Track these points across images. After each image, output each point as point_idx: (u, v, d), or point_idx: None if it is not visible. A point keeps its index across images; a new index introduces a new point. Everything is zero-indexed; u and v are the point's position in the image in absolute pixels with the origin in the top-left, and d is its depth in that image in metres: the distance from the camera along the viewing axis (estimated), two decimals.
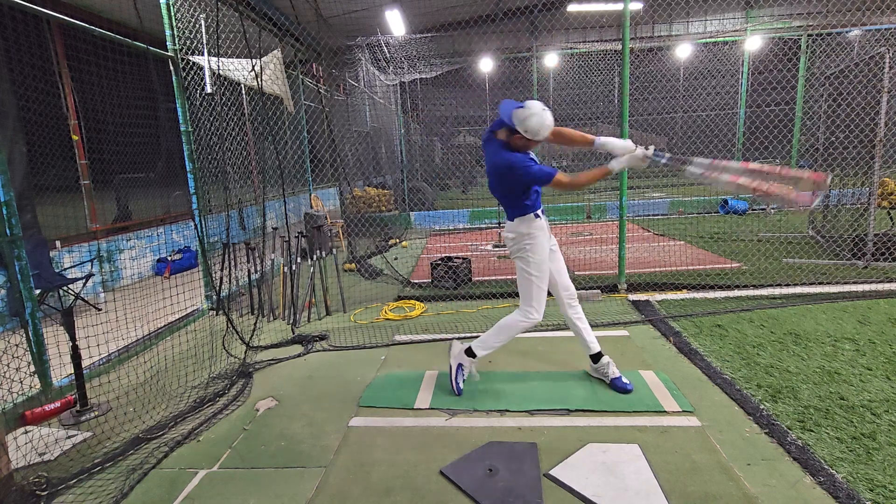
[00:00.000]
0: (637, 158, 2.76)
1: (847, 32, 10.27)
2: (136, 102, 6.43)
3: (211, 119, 4.96)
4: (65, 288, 4.90)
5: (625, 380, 3.00)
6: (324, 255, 6.17)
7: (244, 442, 2.67)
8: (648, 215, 10.32)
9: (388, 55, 8.94)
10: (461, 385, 3.06)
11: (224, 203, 4.83)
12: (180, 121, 4.74)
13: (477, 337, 3.95)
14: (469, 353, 3.08)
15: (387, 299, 5.13)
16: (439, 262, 5.57)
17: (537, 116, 2.63)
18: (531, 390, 3.05)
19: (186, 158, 4.81)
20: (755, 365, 3.23)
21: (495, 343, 3.05)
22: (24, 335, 3.07)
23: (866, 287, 4.72)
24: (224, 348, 3.91)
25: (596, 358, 3.07)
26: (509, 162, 2.73)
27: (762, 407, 2.72)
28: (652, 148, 2.76)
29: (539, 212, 2.91)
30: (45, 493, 2.28)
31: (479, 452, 2.46)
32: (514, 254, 2.96)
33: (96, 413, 3.02)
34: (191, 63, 4.76)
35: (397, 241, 8.50)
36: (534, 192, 2.86)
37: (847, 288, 4.72)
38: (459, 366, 3.10)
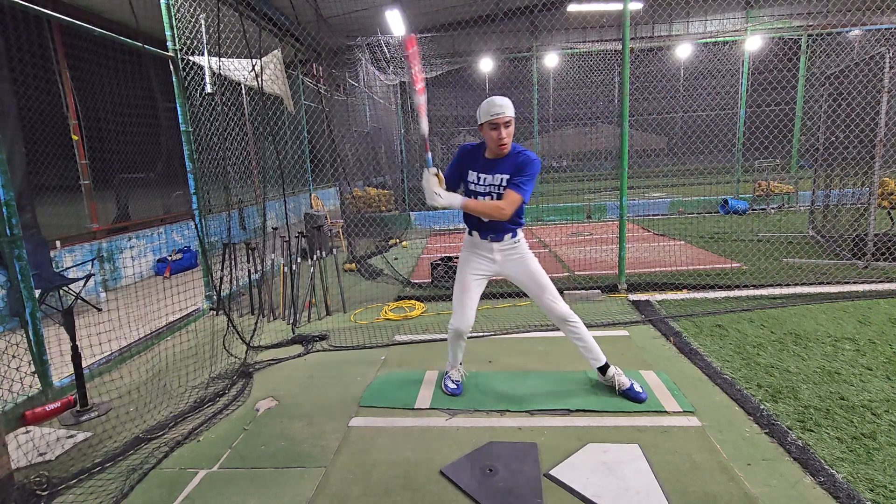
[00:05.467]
0: (432, 183, 2.60)
1: (847, 32, 10.27)
2: (136, 102, 6.44)
3: (211, 119, 4.96)
4: (65, 288, 4.90)
5: (637, 388, 2.89)
6: (324, 255, 6.17)
7: (244, 442, 2.67)
8: (648, 215, 10.32)
9: (388, 55, 8.94)
10: (451, 386, 3.07)
11: (224, 203, 4.83)
12: (180, 121, 4.74)
13: (474, 337, 3.98)
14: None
15: (387, 299, 5.13)
16: (439, 262, 5.57)
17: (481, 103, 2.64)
18: (531, 390, 3.05)
19: (186, 158, 4.81)
20: (755, 365, 3.23)
21: (448, 348, 3.11)
22: (25, 335, 3.07)
23: (866, 287, 4.72)
24: (224, 348, 3.91)
25: (603, 371, 2.97)
26: None
27: (762, 407, 2.72)
28: (425, 171, 2.61)
29: (473, 230, 2.86)
30: (46, 492, 2.28)
31: (479, 452, 2.45)
32: None
33: (96, 413, 3.02)
34: (191, 63, 4.76)
35: (397, 241, 8.50)
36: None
37: (847, 288, 4.72)
38: (446, 373, 3.18)
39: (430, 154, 2.70)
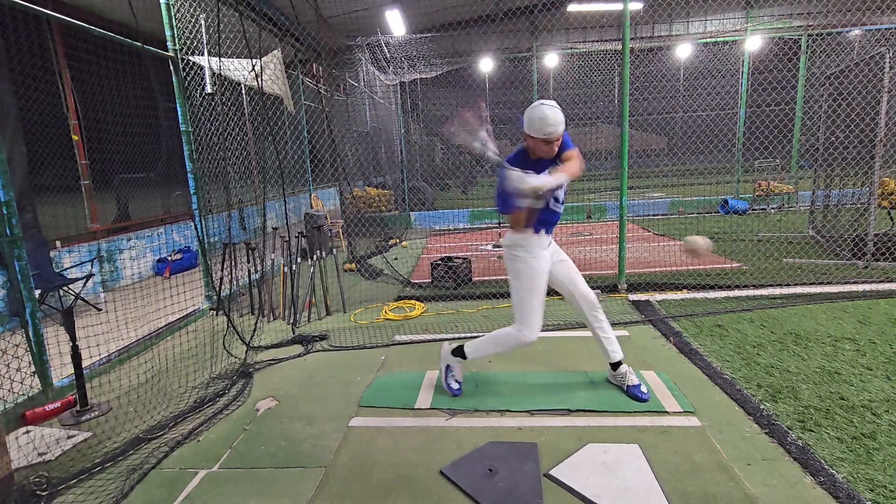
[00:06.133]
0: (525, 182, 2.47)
1: (847, 32, 10.27)
2: (136, 102, 6.44)
3: (211, 119, 4.96)
4: (65, 288, 4.90)
5: (643, 388, 2.91)
6: (324, 255, 6.17)
7: (244, 442, 2.67)
8: (648, 215, 10.32)
9: (388, 55, 8.94)
10: (453, 385, 3.05)
11: (224, 203, 4.83)
12: (180, 121, 4.74)
13: (475, 337, 3.97)
14: (457, 352, 3.02)
15: (387, 299, 5.13)
16: (439, 262, 5.57)
17: (529, 111, 2.57)
18: (531, 390, 3.05)
19: (186, 158, 4.81)
20: (755, 365, 3.23)
21: (485, 352, 2.96)
22: (25, 335, 3.07)
23: (866, 287, 4.71)
24: (224, 348, 3.91)
25: (615, 366, 2.98)
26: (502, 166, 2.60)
27: (762, 407, 2.72)
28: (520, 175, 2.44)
29: (541, 227, 2.73)
30: (46, 493, 2.28)
31: (479, 452, 2.45)
32: (507, 265, 2.83)
33: (96, 413, 3.02)
34: (191, 63, 4.76)
35: (397, 241, 8.50)
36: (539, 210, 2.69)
37: (847, 288, 4.72)
38: (448, 367, 3.07)
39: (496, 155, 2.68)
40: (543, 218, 2.72)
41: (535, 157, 2.65)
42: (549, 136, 2.51)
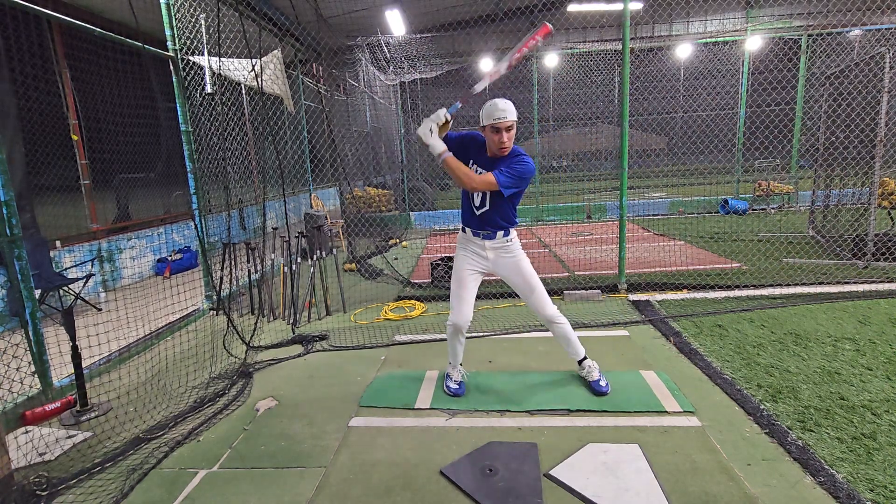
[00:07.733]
0: (435, 120, 2.68)
1: (847, 32, 10.26)
2: (136, 102, 6.44)
3: (211, 119, 4.96)
4: (65, 288, 4.90)
5: (602, 382, 2.99)
6: (324, 255, 6.17)
7: (244, 442, 2.67)
8: (648, 215, 10.32)
9: (388, 55, 8.94)
10: (453, 387, 3.07)
11: (224, 203, 4.83)
12: (180, 121, 4.74)
13: (474, 337, 3.97)
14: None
15: (387, 299, 5.13)
16: (439, 262, 5.57)
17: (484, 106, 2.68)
18: (531, 390, 3.05)
19: (186, 158, 4.81)
20: (755, 365, 3.23)
21: (449, 349, 3.10)
22: (24, 335, 3.07)
23: (866, 287, 4.71)
24: (224, 348, 3.91)
25: (580, 361, 3.09)
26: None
27: (762, 407, 2.72)
28: (442, 110, 2.70)
29: (467, 227, 2.91)
30: (46, 493, 2.28)
31: (479, 452, 2.45)
32: None
33: (96, 413, 3.02)
34: (191, 63, 4.76)
35: (397, 241, 8.50)
36: (465, 203, 2.88)
37: (847, 288, 4.72)
38: (447, 374, 3.17)
39: (458, 105, 2.76)
40: (465, 217, 2.90)
41: (491, 154, 2.72)
42: (498, 120, 2.57)
